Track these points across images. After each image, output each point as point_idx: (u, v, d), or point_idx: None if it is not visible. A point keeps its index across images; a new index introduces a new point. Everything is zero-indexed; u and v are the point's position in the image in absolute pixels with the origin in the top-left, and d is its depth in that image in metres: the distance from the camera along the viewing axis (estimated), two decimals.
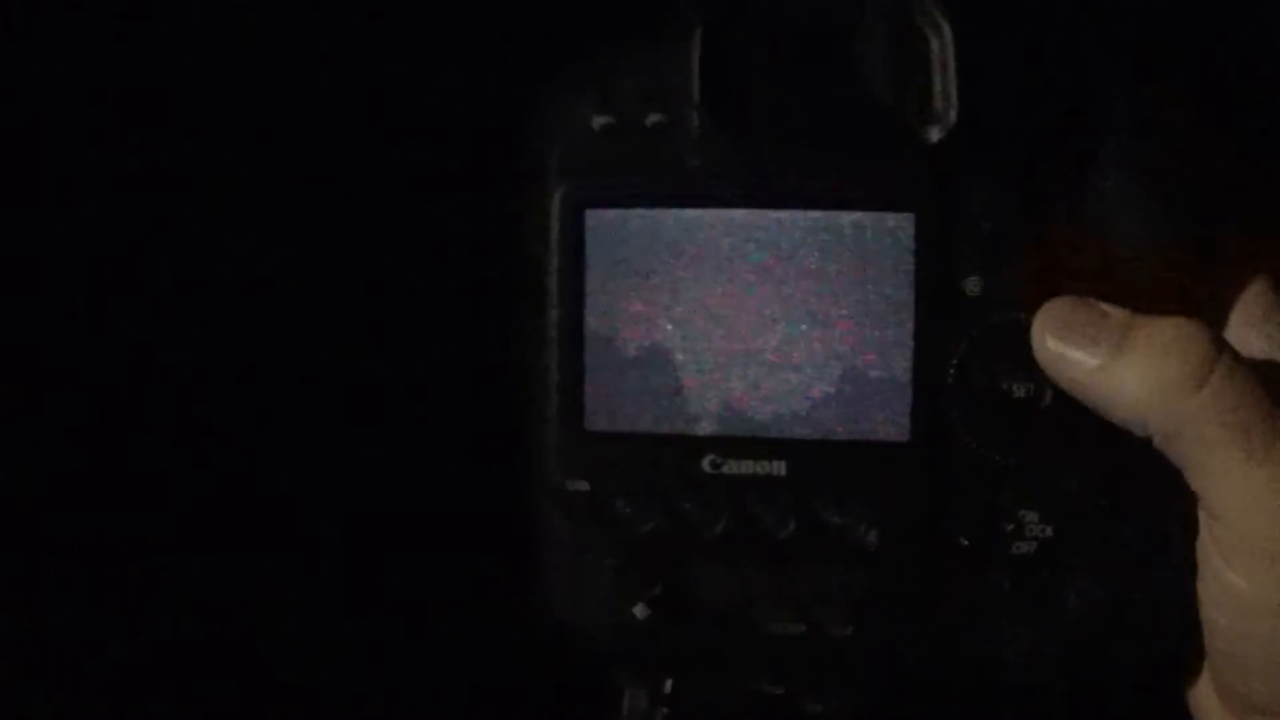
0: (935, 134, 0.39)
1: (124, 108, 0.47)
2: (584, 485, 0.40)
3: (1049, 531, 0.40)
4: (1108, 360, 0.37)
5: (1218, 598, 0.37)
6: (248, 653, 0.49)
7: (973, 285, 0.39)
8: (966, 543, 0.40)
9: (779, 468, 0.40)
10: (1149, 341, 0.37)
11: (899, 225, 0.39)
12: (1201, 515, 0.37)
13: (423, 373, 0.46)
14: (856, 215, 0.39)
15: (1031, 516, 0.40)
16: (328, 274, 0.47)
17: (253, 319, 0.48)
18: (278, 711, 0.48)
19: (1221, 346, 0.36)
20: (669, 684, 0.42)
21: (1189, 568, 0.38)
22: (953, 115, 0.39)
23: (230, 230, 0.47)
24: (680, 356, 0.40)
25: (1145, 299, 0.38)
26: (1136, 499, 0.39)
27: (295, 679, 0.48)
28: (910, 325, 0.39)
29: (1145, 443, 0.37)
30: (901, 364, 0.39)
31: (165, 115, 0.47)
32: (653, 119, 0.40)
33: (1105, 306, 0.38)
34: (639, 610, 0.41)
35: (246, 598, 0.48)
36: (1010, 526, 0.40)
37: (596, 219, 0.40)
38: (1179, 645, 0.39)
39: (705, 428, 0.40)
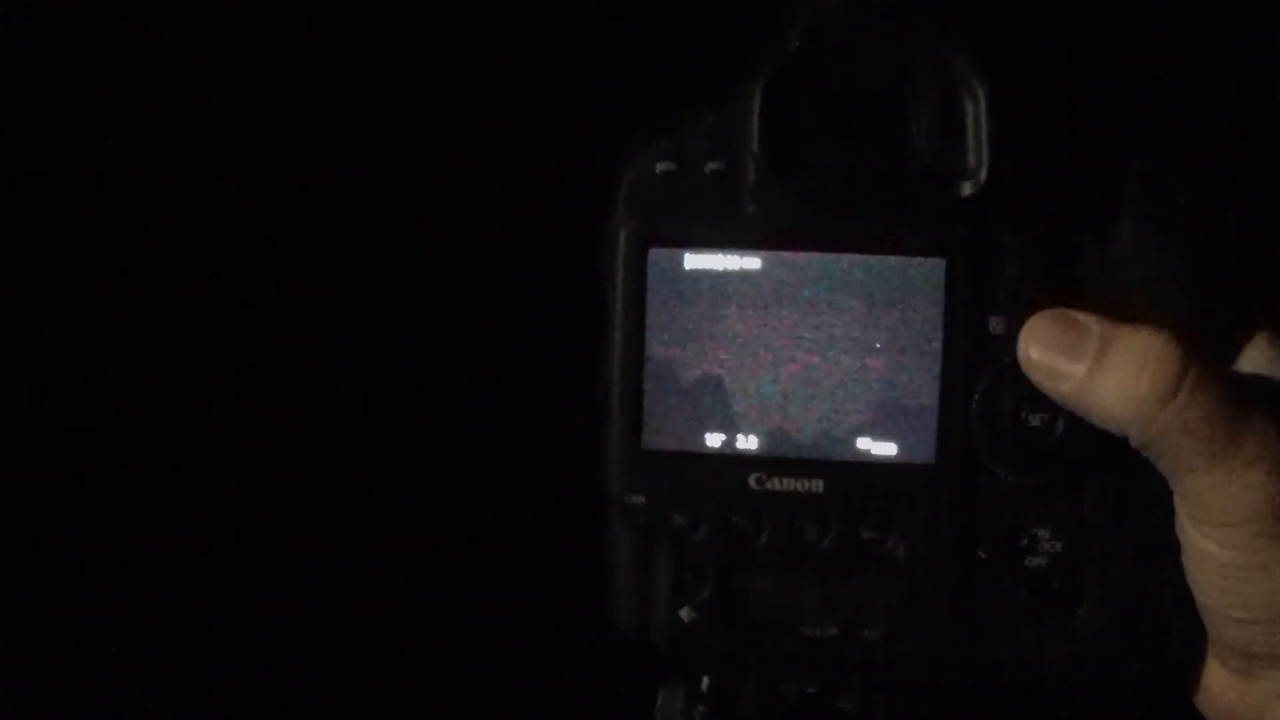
0: (968, 189, 0.43)
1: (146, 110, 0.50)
2: (641, 499, 0.44)
3: (1059, 548, 0.44)
4: (1088, 374, 0.41)
5: (1198, 563, 0.42)
6: (297, 656, 0.51)
7: (996, 325, 0.43)
8: (985, 556, 0.44)
9: (818, 485, 0.44)
10: (1123, 357, 0.41)
11: (932, 270, 0.43)
12: (1175, 494, 0.42)
13: (510, 396, 0.50)
14: (894, 260, 0.43)
15: (1044, 533, 0.44)
16: (424, 298, 0.50)
17: (341, 351, 0.51)
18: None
19: (1189, 361, 0.40)
20: (706, 682, 0.46)
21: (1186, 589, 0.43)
22: (984, 173, 0.43)
23: (310, 250, 0.51)
24: (730, 383, 0.44)
25: None
26: (1142, 518, 0.44)
27: (360, 681, 0.51)
28: (939, 360, 0.43)
29: (1147, 462, 0.42)
30: (930, 394, 0.43)
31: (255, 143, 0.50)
32: (712, 166, 0.44)
33: (1082, 317, 0.42)
34: (685, 613, 0.44)
35: (309, 602, 0.51)
36: (1024, 542, 0.44)
37: (658, 256, 0.44)
38: (1183, 656, 0.44)
39: (752, 448, 0.44)
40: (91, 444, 0.51)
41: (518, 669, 0.52)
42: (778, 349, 0.44)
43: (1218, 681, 0.44)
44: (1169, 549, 0.43)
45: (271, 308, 0.51)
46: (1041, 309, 0.43)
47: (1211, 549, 0.41)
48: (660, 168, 0.44)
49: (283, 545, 0.51)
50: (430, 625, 0.51)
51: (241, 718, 0.52)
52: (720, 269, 0.44)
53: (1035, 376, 0.42)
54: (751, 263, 0.44)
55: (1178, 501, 0.42)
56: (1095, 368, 0.41)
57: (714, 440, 0.44)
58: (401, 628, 0.51)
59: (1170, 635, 0.44)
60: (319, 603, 0.51)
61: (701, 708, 0.46)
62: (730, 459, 0.44)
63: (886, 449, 0.44)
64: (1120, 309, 0.43)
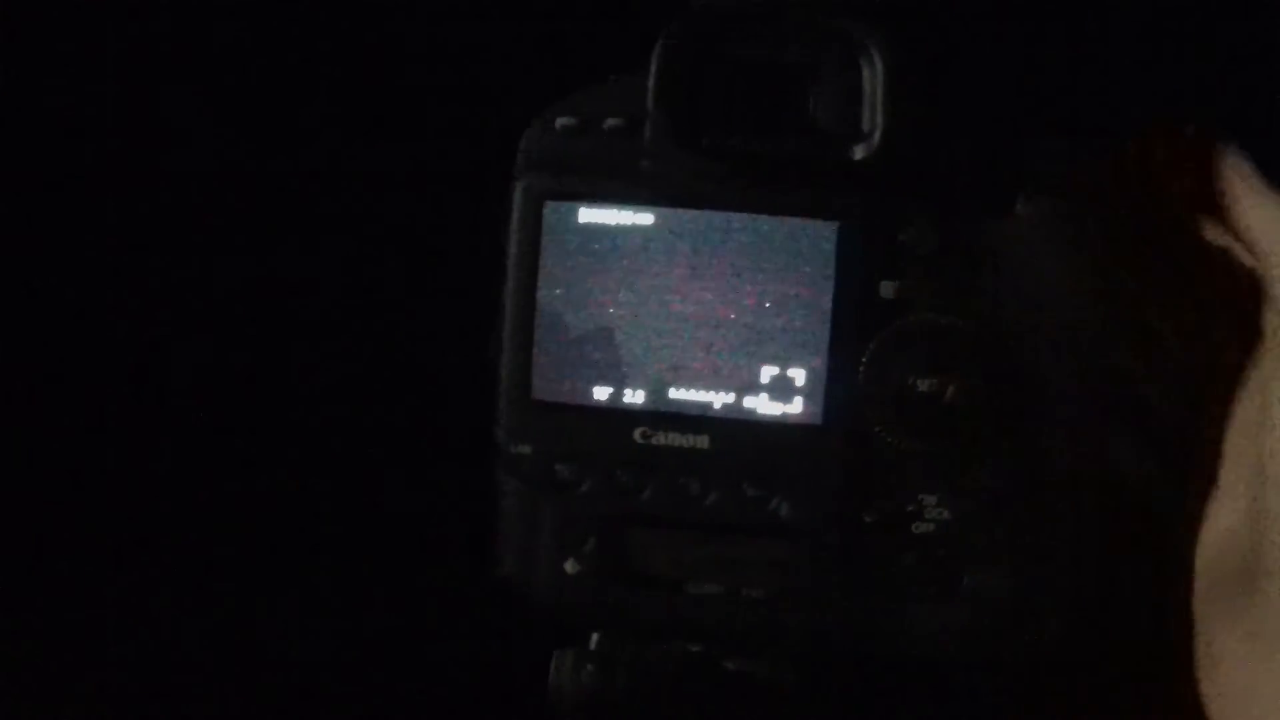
0: (861, 153, 0.43)
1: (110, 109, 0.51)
2: (527, 449, 0.45)
3: (946, 515, 0.44)
4: None
5: None
6: (217, 601, 0.52)
7: (888, 289, 0.43)
8: (871, 520, 0.44)
9: (703, 441, 0.44)
10: None
11: (824, 232, 0.43)
12: None
13: (408, 351, 0.51)
14: (787, 220, 0.44)
15: (930, 500, 0.44)
16: (329, 252, 0.51)
17: (239, 302, 0.51)
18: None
19: None
20: (595, 639, 0.46)
21: (1083, 557, 0.42)
22: (878, 138, 0.43)
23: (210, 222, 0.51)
24: (620, 337, 0.44)
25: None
26: (1033, 489, 0.43)
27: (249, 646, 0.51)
28: (829, 322, 0.43)
29: (1043, 433, 0.41)
30: (819, 356, 0.43)
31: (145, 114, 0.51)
32: (611, 123, 0.44)
33: None
34: (569, 565, 0.45)
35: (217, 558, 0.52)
36: (911, 508, 0.44)
37: (554, 209, 0.44)
38: (1074, 634, 0.43)
39: (638, 403, 0.44)
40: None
41: (411, 634, 0.52)
42: (668, 305, 0.44)
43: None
44: (1061, 525, 0.43)
45: (174, 257, 0.52)
46: (934, 276, 0.43)
47: None
48: (560, 123, 0.44)
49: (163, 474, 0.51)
50: (322, 584, 0.51)
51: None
52: (614, 224, 0.44)
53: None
54: (645, 219, 0.44)
55: None
56: None
57: (602, 393, 0.44)
58: (286, 580, 0.51)
59: (1061, 616, 0.43)
60: (211, 546, 0.51)
61: (589, 667, 0.46)
62: (617, 412, 0.44)
63: (773, 408, 0.44)
64: (1017, 283, 0.43)
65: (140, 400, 0.52)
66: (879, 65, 0.43)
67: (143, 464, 0.52)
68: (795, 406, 0.44)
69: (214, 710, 0.51)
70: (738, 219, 0.44)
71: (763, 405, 0.44)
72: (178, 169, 0.51)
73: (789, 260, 0.44)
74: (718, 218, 0.44)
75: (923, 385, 0.43)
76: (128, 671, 0.51)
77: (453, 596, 0.50)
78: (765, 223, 0.44)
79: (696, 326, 0.44)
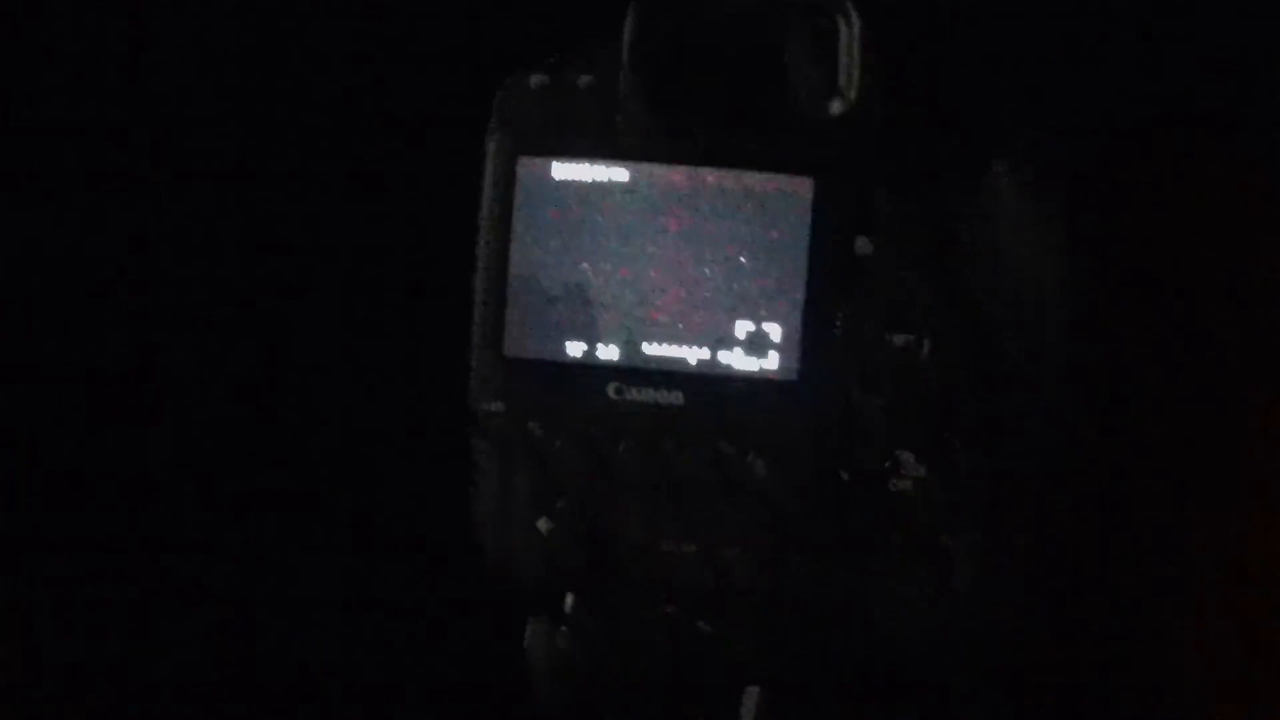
0: (837, 108, 0.43)
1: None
2: (500, 406, 0.44)
3: (923, 472, 0.43)
4: None
5: None
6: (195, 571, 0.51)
7: (863, 245, 0.43)
8: (846, 477, 0.43)
9: (677, 397, 0.43)
10: None
11: (799, 188, 0.43)
12: None
13: (384, 311, 0.50)
14: (762, 176, 0.43)
15: (908, 457, 0.43)
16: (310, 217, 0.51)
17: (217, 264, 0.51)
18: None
19: None
20: (569, 601, 0.46)
21: (1060, 516, 0.42)
22: (853, 94, 0.43)
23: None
24: (593, 293, 0.44)
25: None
26: (1011, 445, 0.43)
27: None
28: (805, 277, 0.43)
29: (1019, 396, 0.41)
30: (795, 311, 0.43)
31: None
32: (585, 80, 0.44)
33: None
34: (542, 523, 0.44)
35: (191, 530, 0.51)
36: (888, 463, 0.43)
37: (527, 165, 0.44)
38: (1050, 594, 0.43)
39: (612, 358, 0.44)
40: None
41: (388, 602, 0.51)
42: (642, 260, 0.44)
43: None
44: (1038, 485, 0.42)
45: (158, 233, 0.51)
46: (910, 233, 0.43)
47: None
48: (534, 81, 0.44)
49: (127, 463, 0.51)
50: (296, 554, 0.51)
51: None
52: (588, 180, 0.44)
53: None
54: (619, 174, 0.44)
55: None
56: None
57: (574, 349, 0.44)
58: (264, 543, 0.51)
59: (1038, 577, 0.43)
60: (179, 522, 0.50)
61: (564, 629, 0.46)
62: (590, 368, 0.44)
63: (748, 364, 0.43)
64: (992, 242, 0.43)
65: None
66: (854, 22, 0.43)
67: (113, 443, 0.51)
68: (770, 362, 0.43)
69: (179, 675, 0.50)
70: (712, 174, 0.43)
71: (737, 361, 0.43)
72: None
73: (764, 216, 0.43)
74: (692, 173, 0.43)
75: (898, 341, 0.43)
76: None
77: (429, 565, 0.50)
78: (741, 177, 0.43)
79: (671, 282, 0.44)
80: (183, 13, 0.50)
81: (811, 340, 0.43)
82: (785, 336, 0.43)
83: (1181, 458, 0.51)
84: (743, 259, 0.43)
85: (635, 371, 0.44)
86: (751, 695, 0.47)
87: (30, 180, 0.50)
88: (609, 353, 0.44)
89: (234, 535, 0.51)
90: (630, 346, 0.44)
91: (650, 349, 0.44)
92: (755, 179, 0.43)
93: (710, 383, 0.43)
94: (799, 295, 0.43)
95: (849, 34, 0.43)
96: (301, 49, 0.50)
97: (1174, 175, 0.50)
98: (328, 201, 0.51)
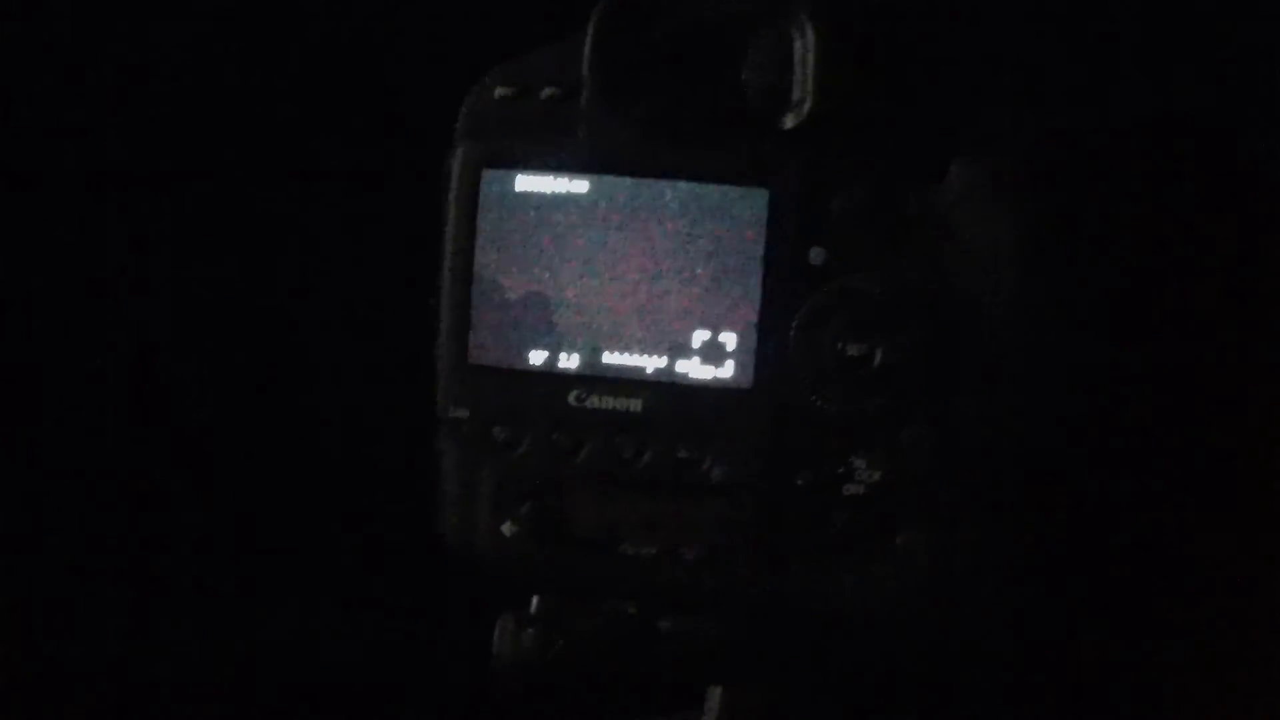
0: (791, 121, 0.44)
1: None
2: (465, 413, 0.45)
3: (877, 477, 0.44)
4: None
5: None
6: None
7: (817, 255, 0.44)
8: (802, 483, 0.44)
9: (636, 405, 0.45)
10: None
11: (755, 199, 0.44)
12: None
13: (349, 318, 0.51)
14: (719, 188, 0.44)
15: (861, 463, 0.44)
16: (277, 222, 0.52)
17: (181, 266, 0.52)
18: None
19: None
20: (535, 602, 0.47)
21: (1011, 523, 0.43)
22: (808, 106, 0.44)
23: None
24: (555, 302, 0.45)
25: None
26: (963, 453, 0.44)
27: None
28: (759, 287, 0.44)
29: (973, 402, 0.42)
30: (750, 320, 0.44)
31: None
32: (548, 92, 0.45)
33: None
34: (507, 528, 0.45)
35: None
36: (841, 470, 0.44)
37: (491, 176, 0.45)
38: (1003, 595, 0.44)
39: (573, 366, 0.45)
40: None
41: (355, 605, 0.52)
42: (602, 270, 0.45)
43: None
44: (991, 492, 0.43)
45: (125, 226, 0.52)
46: (864, 242, 0.44)
47: None
48: (498, 92, 0.45)
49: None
50: (268, 552, 0.52)
51: None
52: (550, 191, 0.45)
53: None
54: (580, 186, 0.45)
55: None
56: None
57: (537, 357, 0.45)
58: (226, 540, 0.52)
59: (991, 580, 0.44)
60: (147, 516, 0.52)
61: (530, 629, 0.47)
62: (552, 376, 0.45)
63: (704, 372, 0.45)
64: (947, 250, 0.43)
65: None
66: (809, 34, 0.44)
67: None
68: (726, 370, 0.44)
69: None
70: (671, 186, 0.44)
71: (694, 369, 0.45)
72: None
73: (721, 227, 0.44)
74: (651, 185, 0.45)
75: (852, 349, 0.44)
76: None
77: (397, 568, 0.51)
78: (698, 190, 0.44)
79: (630, 292, 0.45)
80: (168, 16, 0.52)
81: (766, 349, 0.44)
82: (740, 345, 0.44)
83: (1149, 459, 0.52)
84: (700, 269, 0.44)
85: (596, 379, 0.45)
86: (714, 695, 0.49)
87: (30, 180, 0.51)
88: (570, 361, 0.45)
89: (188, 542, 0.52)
90: (591, 355, 0.45)
91: (610, 358, 0.45)
92: (713, 190, 0.44)
93: (668, 390, 0.45)
94: (754, 305, 0.44)
95: (804, 46, 0.44)
96: (264, 62, 0.51)
97: (1150, 176, 0.50)
98: (293, 210, 0.52)
